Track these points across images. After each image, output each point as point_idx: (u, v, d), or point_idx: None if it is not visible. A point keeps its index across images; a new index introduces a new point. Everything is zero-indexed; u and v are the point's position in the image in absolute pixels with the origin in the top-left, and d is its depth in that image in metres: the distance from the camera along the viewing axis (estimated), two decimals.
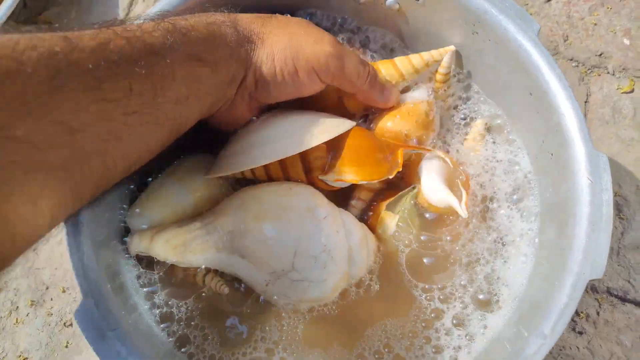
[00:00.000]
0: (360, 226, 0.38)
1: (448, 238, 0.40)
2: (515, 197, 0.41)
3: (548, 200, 0.40)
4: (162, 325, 0.37)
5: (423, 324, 0.38)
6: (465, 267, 0.40)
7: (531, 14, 0.58)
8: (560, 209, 0.37)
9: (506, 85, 0.42)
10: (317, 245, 0.34)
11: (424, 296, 0.39)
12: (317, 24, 0.46)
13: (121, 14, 0.59)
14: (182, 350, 0.37)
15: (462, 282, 0.39)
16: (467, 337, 0.38)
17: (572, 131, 0.35)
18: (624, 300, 0.49)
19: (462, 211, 0.34)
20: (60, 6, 0.60)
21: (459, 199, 0.35)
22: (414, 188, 0.40)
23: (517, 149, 0.43)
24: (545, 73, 0.36)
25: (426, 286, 0.39)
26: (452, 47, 0.42)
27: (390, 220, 0.39)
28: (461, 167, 0.41)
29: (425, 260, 0.40)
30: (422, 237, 0.40)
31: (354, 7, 0.45)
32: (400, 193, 0.40)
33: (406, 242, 0.40)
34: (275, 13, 0.44)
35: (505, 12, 0.38)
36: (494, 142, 0.43)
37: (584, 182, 0.34)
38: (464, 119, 0.44)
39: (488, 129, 0.44)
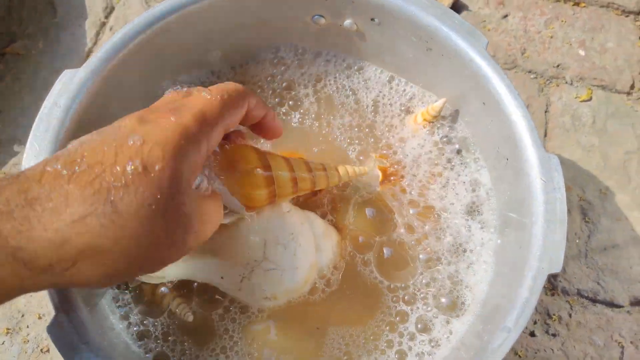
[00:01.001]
0: (323, 221, 0.40)
1: (402, 230, 0.42)
2: (476, 212, 0.43)
3: (506, 205, 0.41)
4: (139, 343, 0.37)
5: (387, 327, 0.39)
6: (425, 265, 0.41)
7: (489, 30, 0.60)
8: (517, 211, 0.38)
9: (461, 95, 0.44)
10: (285, 235, 0.36)
11: (390, 296, 0.40)
12: (281, 58, 0.48)
13: (89, 44, 0.60)
14: None
15: (424, 281, 0.40)
16: (431, 343, 0.38)
17: (524, 135, 0.37)
18: (594, 301, 0.50)
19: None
20: (28, 38, 0.61)
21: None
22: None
23: (480, 168, 0.44)
24: (495, 83, 0.38)
25: (391, 285, 0.40)
26: (443, 99, 0.44)
27: (347, 208, 0.41)
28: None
29: (385, 251, 0.41)
30: (376, 238, 0.42)
31: (315, 33, 0.47)
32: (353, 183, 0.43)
33: (362, 236, 0.41)
34: (241, 54, 0.47)
35: (455, 28, 0.40)
36: (456, 163, 0.45)
37: (538, 183, 0.36)
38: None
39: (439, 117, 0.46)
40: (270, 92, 0.47)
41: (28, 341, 0.49)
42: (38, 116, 0.36)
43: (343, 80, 0.48)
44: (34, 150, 0.35)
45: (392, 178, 0.43)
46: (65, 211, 0.24)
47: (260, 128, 0.34)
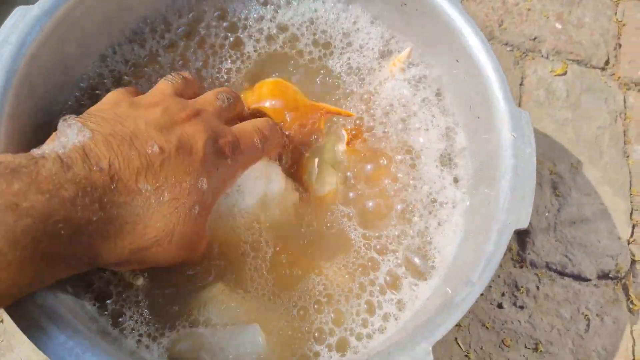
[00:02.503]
0: (285, 181, 0.39)
1: (386, 181, 0.41)
2: (449, 163, 0.42)
3: (479, 163, 0.41)
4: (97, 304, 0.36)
5: (360, 270, 0.38)
6: (400, 216, 0.40)
7: (467, 0, 0.59)
8: (488, 167, 0.38)
9: (437, 52, 0.43)
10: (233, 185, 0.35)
11: (362, 243, 0.39)
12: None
13: None
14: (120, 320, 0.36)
15: (396, 233, 0.40)
16: (398, 305, 0.38)
17: (495, 90, 0.37)
18: (562, 274, 0.50)
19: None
20: None
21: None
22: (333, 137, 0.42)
23: (454, 124, 0.43)
24: (469, 37, 0.38)
25: (366, 233, 0.39)
26: (409, 47, 0.44)
27: (312, 165, 0.40)
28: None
29: (366, 203, 0.40)
30: (349, 179, 0.41)
31: None
32: (322, 141, 0.41)
33: (334, 185, 0.40)
34: None
35: None
36: (432, 105, 0.44)
37: (508, 138, 0.36)
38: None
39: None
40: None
41: None
42: None
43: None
44: None
45: (357, 139, 0.42)
46: (148, 232, 0.28)
47: None
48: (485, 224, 0.35)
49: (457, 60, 0.39)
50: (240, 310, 0.36)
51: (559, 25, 0.58)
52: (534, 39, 0.58)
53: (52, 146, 0.27)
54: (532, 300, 0.49)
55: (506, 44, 0.58)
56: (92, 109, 0.32)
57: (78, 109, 0.41)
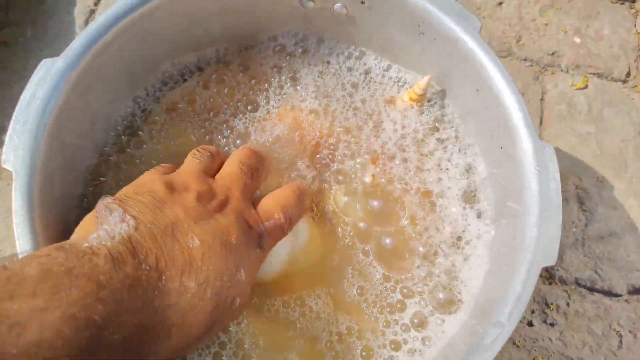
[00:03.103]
0: (310, 229, 0.39)
1: (405, 222, 0.40)
2: (472, 199, 0.42)
3: (501, 194, 0.40)
4: None
5: (385, 310, 0.38)
6: (423, 259, 0.40)
7: (484, 17, 0.59)
8: (512, 201, 0.37)
9: (455, 81, 0.43)
10: None
11: (385, 285, 0.39)
12: (281, 46, 0.47)
13: (78, 31, 0.59)
14: None
15: (422, 274, 0.39)
16: (424, 341, 0.37)
17: (518, 124, 0.36)
18: (592, 290, 0.49)
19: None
20: (15, 26, 0.59)
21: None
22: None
23: (474, 155, 0.43)
24: (489, 69, 0.37)
25: (387, 273, 0.39)
26: (429, 76, 0.43)
27: (339, 197, 0.40)
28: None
29: (384, 241, 0.40)
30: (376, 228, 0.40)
31: (304, 16, 0.45)
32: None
33: (357, 217, 0.40)
34: (238, 44, 0.46)
35: (447, 11, 0.39)
36: (449, 145, 0.44)
37: (532, 173, 0.35)
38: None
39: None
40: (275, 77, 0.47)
41: None
42: (17, 109, 0.34)
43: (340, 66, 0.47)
44: (13, 144, 0.33)
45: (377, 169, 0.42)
46: (193, 331, 0.27)
47: None
48: (511, 258, 0.34)
49: (478, 90, 0.39)
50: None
51: (577, 39, 0.58)
52: (553, 53, 0.58)
53: (96, 237, 0.26)
54: (563, 317, 0.48)
55: (525, 60, 0.58)
56: (129, 190, 0.32)
57: (107, 160, 0.42)
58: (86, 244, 0.25)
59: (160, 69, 0.45)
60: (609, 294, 0.49)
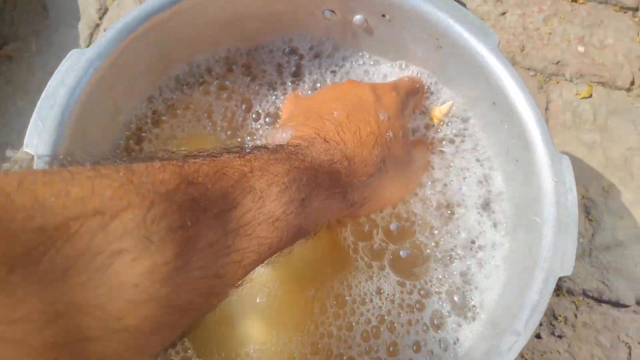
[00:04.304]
0: None
1: (424, 237, 0.40)
2: (488, 207, 0.42)
3: (517, 207, 0.40)
4: None
5: (404, 310, 0.39)
6: (440, 262, 0.40)
7: None
8: (528, 212, 0.37)
9: (472, 94, 0.43)
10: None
11: (400, 289, 0.39)
12: (294, 50, 0.47)
13: (82, 45, 0.59)
14: None
15: (438, 276, 0.40)
16: (441, 344, 0.37)
17: (534, 135, 0.36)
18: (599, 301, 0.49)
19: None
20: (20, 40, 0.60)
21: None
22: None
23: (492, 167, 0.43)
24: (506, 82, 0.37)
25: (404, 281, 0.39)
26: (451, 102, 0.44)
27: None
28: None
29: (401, 254, 0.40)
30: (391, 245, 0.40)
31: (324, 27, 0.46)
32: None
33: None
34: (253, 44, 0.46)
35: (467, 25, 0.39)
36: (469, 158, 0.44)
37: (549, 184, 0.35)
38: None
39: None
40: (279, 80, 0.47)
41: None
42: (43, 94, 0.35)
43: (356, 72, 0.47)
44: (37, 128, 0.34)
45: None
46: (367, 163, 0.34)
47: None
48: (528, 270, 0.34)
49: (494, 103, 0.39)
50: None
51: (581, 48, 0.58)
52: (557, 62, 0.58)
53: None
54: (571, 329, 0.48)
55: (529, 69, 0.58)
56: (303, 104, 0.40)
57: (127, 149, 0.43)
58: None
59: (178, 69, 0.45)
60: (617, 304, 0.49)
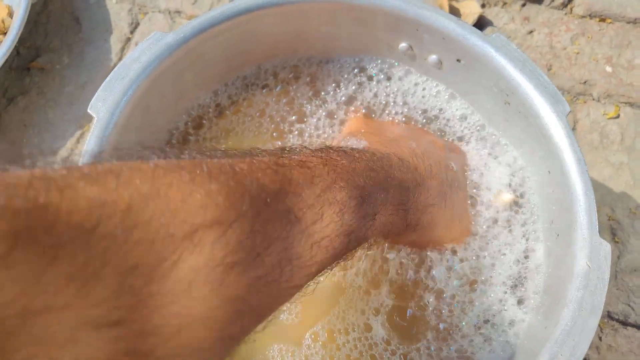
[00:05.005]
0: None
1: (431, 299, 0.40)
2: (519, 286, 0.41)
3: (547, 284, 0.39)
4: None
5: None
6: (437, 335, 0.39)
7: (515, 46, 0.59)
8: (554, 291, 0.36)
9: (528, 160, 0.42)
10: None
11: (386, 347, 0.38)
12: (363, 69, 0.48)
13: (114, 59, 0.60)
14: None
15: (432, 349, 0.39)
16: None
17: (581, 215, 0.35)
18: (625, 324, 0.49)
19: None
20: (52, 53, 0.61)
21: None
22: None
23: (536, 240, 0.42)
24: (566, 155, 0.37)
25: (388, 338, 0.39)
26: (511, 197, 0.43)
27: None
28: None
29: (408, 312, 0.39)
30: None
31: (397, 59, 0.46)
32: None
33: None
34: (323, 56, 0.47)
35: (539, 88, 0.38)
36: (517, 232, 0.43)
37: (583, 267, 0.34)
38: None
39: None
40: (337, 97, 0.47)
41: None
42: (119, 64, 0.37)
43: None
44: (104, 94, 0.36)
45: None
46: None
47: None
48: (536, 349, 0.33)
49: (549, 172, 0.39)
50: None
51: (609, 69, 0.58)
52: (584, 82, 0.57)
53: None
54: (595, 352, 0.48)
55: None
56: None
57: (185, 133, 0.45)
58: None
59: (246, 70, 0.47)
60: None
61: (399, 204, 0.31)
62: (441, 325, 0.39)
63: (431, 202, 0.35)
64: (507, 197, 0.43)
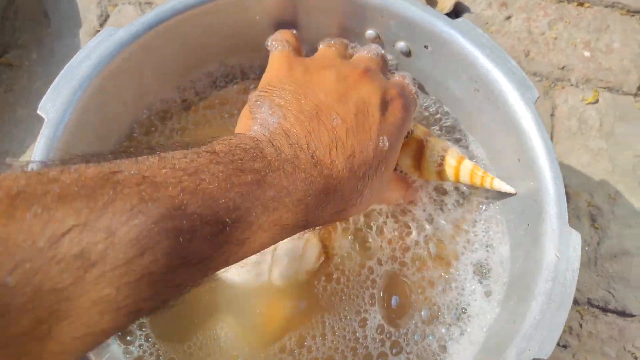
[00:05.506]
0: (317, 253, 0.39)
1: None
2: (485, 274, 0.41)
3: (516, 276, 0.38)
4: None
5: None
6: (423, 320, 0.39)
7: (492, 32, 0.59)
8: (523, 282, 0.35)
9: (498, 147, 0.41)
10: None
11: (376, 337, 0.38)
12: None
13: None
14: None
15: (416, 338, 0.38)
16: None
17: (551, 204, 0.34)
18: (605, 310, 0.48)
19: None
20: (21, 49, 0.60)
21: None
22: None
23: (501, 230, 0.42)
24: (535, 142, 0.36)
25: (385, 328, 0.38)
26: (513, 191, 0.40)
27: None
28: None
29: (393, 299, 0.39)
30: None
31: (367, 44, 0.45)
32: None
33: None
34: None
35: (508, 75, 0.37)
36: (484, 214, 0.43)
37: (551, 258, 0.33)
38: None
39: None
40: None
41: None
42: (68, 64, 0.36)
43: None
44: (54, 95, 0.35)
45: None
46: (345, 197, 0.30)
47: None
48: (504, 344, 0.32)
49: (519, 160, 0.38)
50: None
51: (587, 53, 0.57)
52: (563, 67, 0.57)
53: (256, 130, 0.29)
54: (576, 339, 0.47)
55: (534, 74, 0.57)
56: (270, 78, 0.34)
57: (148, 125, 0.44)
58: (252, 134, 0.28)
59: (209, 67, 0.46)
60: (623, 314, 0.48)
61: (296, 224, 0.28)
62: (424, 312, 0.39)
63: (343, 207, 0.30)
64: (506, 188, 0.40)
